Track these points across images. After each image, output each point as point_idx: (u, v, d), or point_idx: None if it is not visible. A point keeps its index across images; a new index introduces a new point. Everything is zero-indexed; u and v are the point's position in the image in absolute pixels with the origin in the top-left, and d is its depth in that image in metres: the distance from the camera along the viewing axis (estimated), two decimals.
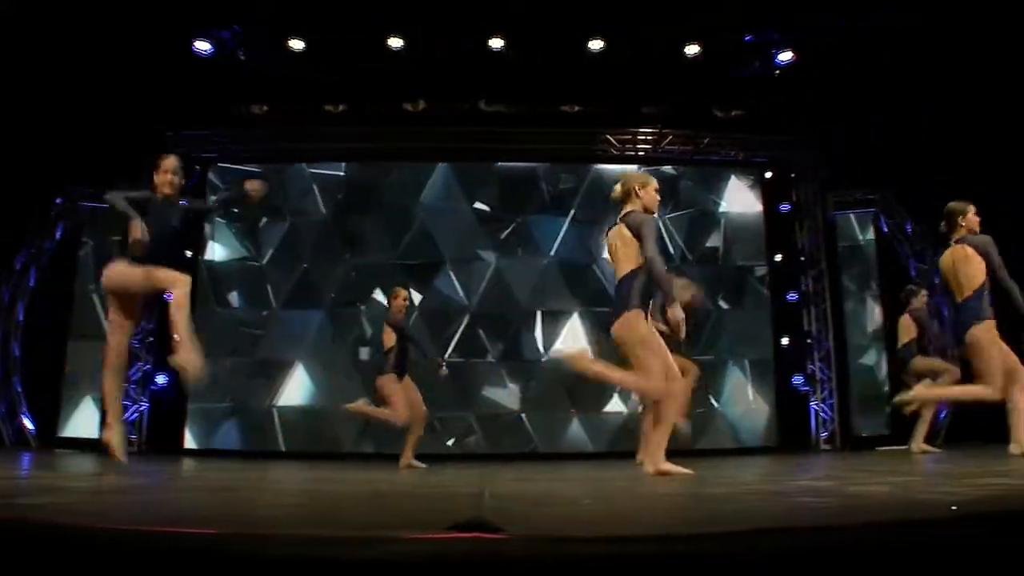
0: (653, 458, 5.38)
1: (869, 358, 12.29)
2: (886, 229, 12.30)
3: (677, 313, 5.21)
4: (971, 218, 6.51)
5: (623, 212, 5.60)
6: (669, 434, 5.42)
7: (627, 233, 5.43)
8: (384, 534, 1.94)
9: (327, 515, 3.05)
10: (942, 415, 11.11)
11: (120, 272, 5.79)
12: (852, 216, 12.62)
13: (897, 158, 11.46)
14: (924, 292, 9.88)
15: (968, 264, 6.32)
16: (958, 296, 6.39)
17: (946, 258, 6.53)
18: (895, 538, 1.92)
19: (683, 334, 5.29)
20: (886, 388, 11.97)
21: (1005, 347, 6.22)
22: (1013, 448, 6.01)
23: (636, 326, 5.29)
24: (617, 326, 5.38)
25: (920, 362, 9.40)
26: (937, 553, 1.81)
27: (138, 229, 5.56)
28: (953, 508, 2.52)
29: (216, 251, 12.41)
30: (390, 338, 8.68)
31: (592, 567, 1.73)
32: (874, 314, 12.36)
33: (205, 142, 12.23)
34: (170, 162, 6.11)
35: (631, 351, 5.34)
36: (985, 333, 6.16)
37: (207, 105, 11.94)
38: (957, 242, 6.48)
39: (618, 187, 5.71)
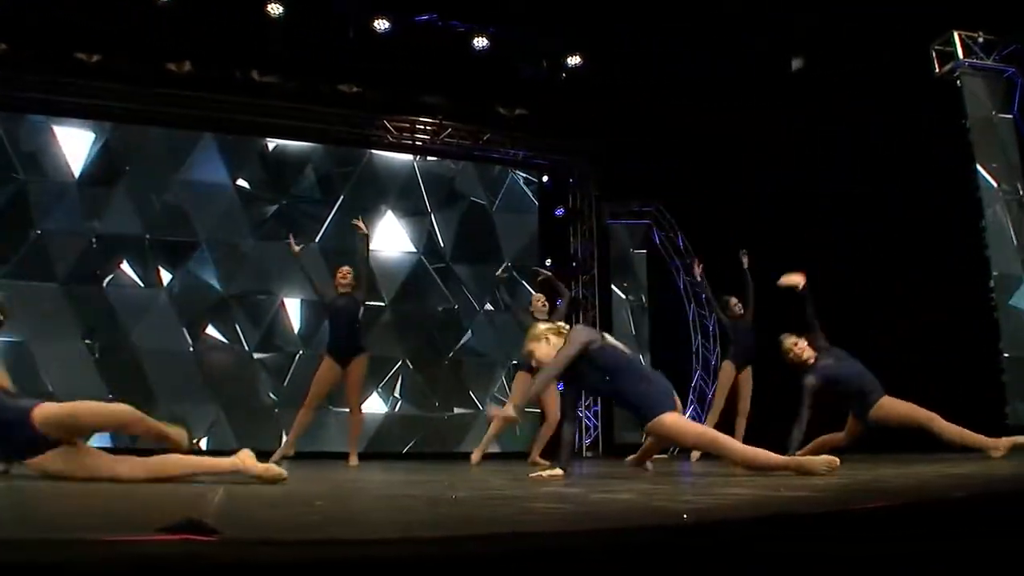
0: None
1: None
2: (658, 241, 12.46)
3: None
4: None
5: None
6: None
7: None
8: (76, 536, 1.84)
9: (18, 515, 2.86)
10: None
11: None
12: (625, 226, 12.73)
13: (673, 173, 11.65)
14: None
15: None
16: None
17: None
18: (616, 545, 1.93)
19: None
20: None
21: None
22: None
23: None
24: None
25: None
26: (661, 561, 1.85)
27: None
28: (685, 516, 2.61)
29: None
30: None
31: (304, 571, 1.65)
32: (642, 323, 12.49)
33: None
34: None
35: None
36: None
37: None
38: None
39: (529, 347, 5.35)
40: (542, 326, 5.31)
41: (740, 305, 8.95)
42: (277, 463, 5.99)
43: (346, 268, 8.42)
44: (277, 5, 10.45)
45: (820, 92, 9.95)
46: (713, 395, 10.23)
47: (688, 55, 10.66)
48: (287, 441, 8.20)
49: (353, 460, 7.99)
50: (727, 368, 9.00)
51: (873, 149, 9.68)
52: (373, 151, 12.47)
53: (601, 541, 1.98)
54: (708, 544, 1.98)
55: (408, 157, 12.59)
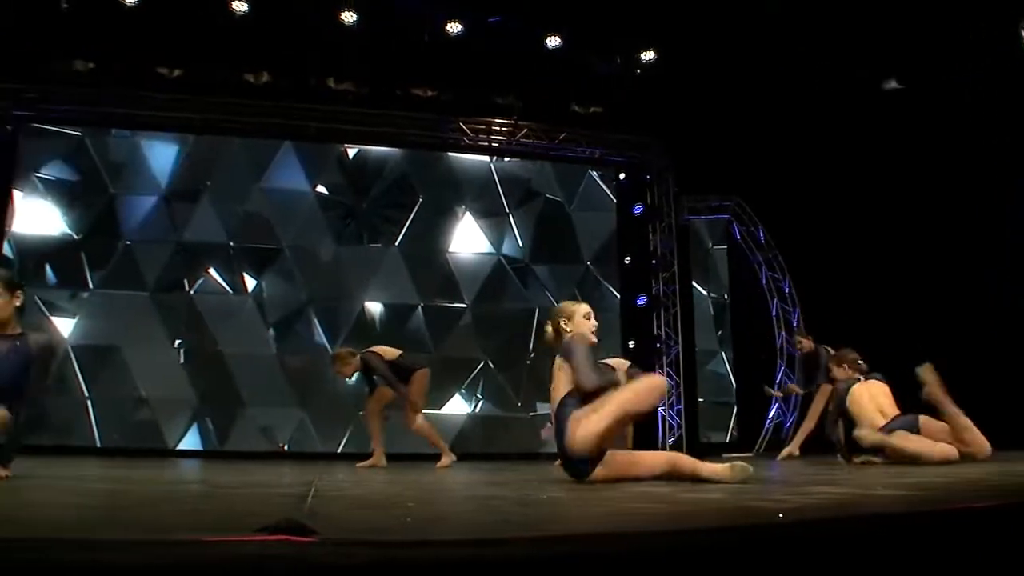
0: None
1: (717, 364, 12.25)
2: (738, 236, 12.28)
3: None
4: None
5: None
6: None
7: (561, 361, 4.90)
8: (180, 537, 1.92)
9: (123, 517, 2.89)
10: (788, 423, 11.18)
11: None
12: (705, 221, 12.59)
13: (752, 167, 11.49)
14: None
15: None
16: None
17: None
18: (720, 544, 1.95)
19: None
20: (733, 394, 11.98)
21: None
22: None
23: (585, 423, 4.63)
24: (571, 441, 4.69)
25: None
26: (761, 559, 1.86)
27: None
28: (780, 516, 2.61)
29: (25, 222, 11.17)
30: None
31: (404, 571, 1.70)
32: (724, 319, 12.33)
33: (17, 97, 10.93)
34: None
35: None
36: None
37: (23, 56, 10.70)
38: None
39: (547, 327, 5.19)
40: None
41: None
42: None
43: None
44: (351, 12, 10.56)
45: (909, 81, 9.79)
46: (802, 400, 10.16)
47: (760, 45, 10.50)
48: (443, 448, 8.26)
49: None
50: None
51: (965, 138, 9.48)
52: (450, 153, 12.51)
53: (698, 541, 1.98)
54: (805, 543, 1.98)
55: (484, 158, 12.63)
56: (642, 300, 12.32)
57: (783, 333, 11.67)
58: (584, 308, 5.13)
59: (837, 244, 10.75)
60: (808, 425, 9.10)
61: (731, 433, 12.01)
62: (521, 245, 12.37)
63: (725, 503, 3.22)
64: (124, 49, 10.84)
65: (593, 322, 5.07)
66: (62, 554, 1.68)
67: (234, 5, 10.38)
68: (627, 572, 1.75)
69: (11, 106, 10.84)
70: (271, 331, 11.46)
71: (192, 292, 11.36)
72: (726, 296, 12.48)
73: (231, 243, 11.45)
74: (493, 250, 12.32)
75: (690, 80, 11.37)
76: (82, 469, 6.52)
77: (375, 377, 8.16)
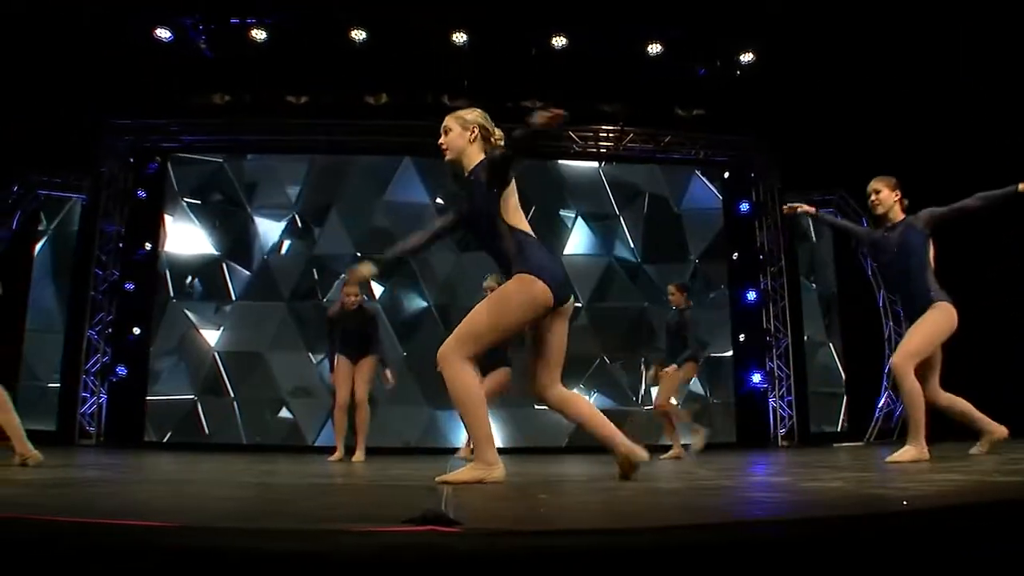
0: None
1: (825, 355, 12.44)
2: None
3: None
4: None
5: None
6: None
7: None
8: (334, 527, 1.92)
9: (280, 509, 2.98)
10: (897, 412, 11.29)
11: None
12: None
13: (854, 159, 11.57)
14: None
15: None
16: None
17: None
18: (845, 532, 1.93)
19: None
20: (842, 384, 12.15)
21: None
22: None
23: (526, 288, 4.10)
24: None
25: None
26: (888, 547, 1.82)
27: None
28: (904, 503, 2.53)
29: (175, 243, 12.29)
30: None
31: (549, 562, 1.71)
32: (832, 311, 12.50)
33: (165, 131, 12.12)
34: None
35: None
36: None
37: (167, 94, 11.82)
38: None
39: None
40: None
41: None
42: None
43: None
44: (461, 33, 11.20)
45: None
46: None
47: (859, 38, 10.62)
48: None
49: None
50: None
51: None
52: (560, 161, 13.02)
53: (822, 529, 2.00)
54: (932, 531, 1.96)
55: (593, 164, 13.07)
56: (753, 295, 12.67)
57: (890, 323, 11.81)
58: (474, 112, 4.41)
59: (941, 233, 10.78)
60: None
61: (842, 423, 12.18)
62: (632, 246, 12.76)
63: (847, 492, 3.19)
64: (256, 81, 11.83)
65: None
66: (232, 541, 1.80)
67: (353, 34, 11.17)
68: (754, 560, 1.74)
69: (160, 139, 12.02)
70: (397, 334, 12.18)
71: (325, 300, 12.16)
72: (833, 288, 12.64)
73: (358, 253, 12.18)
74: (605, 252, 12.78)
75: (790, 77, 11.54)
76: (231, 465, 6.66)
77: None
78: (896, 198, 5.99)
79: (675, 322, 8.85)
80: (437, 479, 4.02)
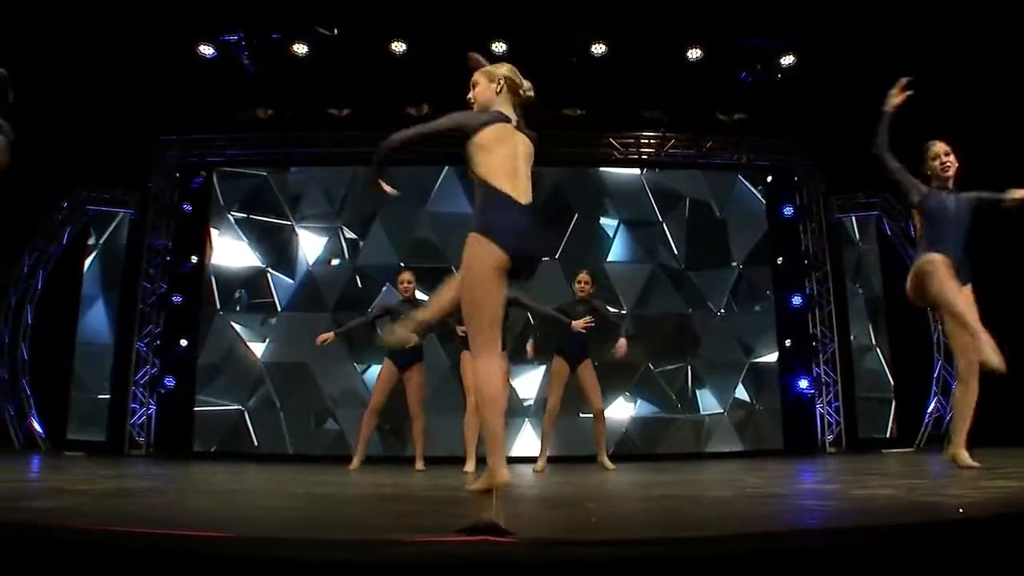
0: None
1: (872, 360, 12.29)
2: (888, 231, 12.31)
3: None
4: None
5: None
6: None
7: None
8: (389, 537, 1.98)
9: (332, 519, 3.02)
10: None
11: None
12: (854, 219, 12.62)
13: (898, 161, 11.46)
14: None
15: None
16: None
17: None
18: (900, 541, 1.92)
19: None
20: (891, 390, 12.01)
21: None
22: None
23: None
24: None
25: None
26: (945, 555, 1.82)
27: None
28: (960, 511, 2.52)
29: (221, 256, 12.46)
30: None
31: (602, 571, 1.73)
32: (879, 315, 12.36)
33: (210, 146, 12.32)
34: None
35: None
36: None
37: (211, 109, 12.02)
38: None
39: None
40: None
41: None
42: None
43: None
44: (500, 43, 11.24)
45: None
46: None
47: (900, 40, 10.54)
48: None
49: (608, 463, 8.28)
50: None
51: None
52: (602, 169, 13.00)
53: (873, 538, 1.99)
54: (989, 539, 1.94)
55: (635, 170, 13.02)
56: (798, 299, 12.56)
57: (938, 326, 11.64)
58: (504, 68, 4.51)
59: (986, 233, 10.62)
60: None
61: (891, 429, 12.01)
62: (676, 252, 12.71)
63: (899, 499, 3.17)
64: (298, 94, 11.98)
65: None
66: (290, 551, 1.83)
67: (393, 46, 11.28)
68: (806, 569, 1.75)
69: (205, 154, 12.21)
70: (440, 340, 12.21)
71: (369, 310, 12.21)
72: (879, 292, 12.49)
73: (401, 263, 12.21)
74: (648, 258, 12.73)
75: (831, 79, 11.42)
76: (278, 475, 6.77)
77: None
78: None
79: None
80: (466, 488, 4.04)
